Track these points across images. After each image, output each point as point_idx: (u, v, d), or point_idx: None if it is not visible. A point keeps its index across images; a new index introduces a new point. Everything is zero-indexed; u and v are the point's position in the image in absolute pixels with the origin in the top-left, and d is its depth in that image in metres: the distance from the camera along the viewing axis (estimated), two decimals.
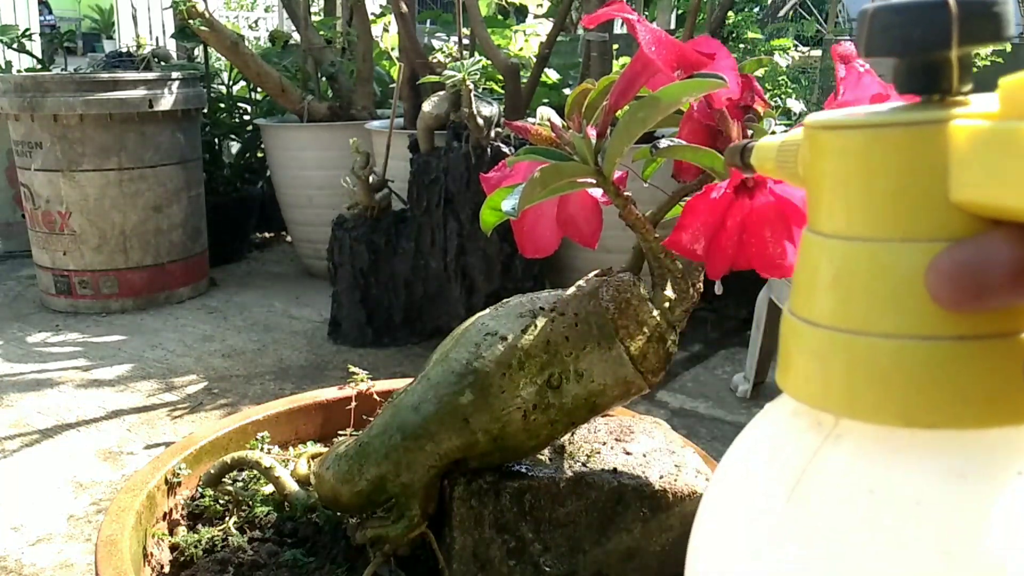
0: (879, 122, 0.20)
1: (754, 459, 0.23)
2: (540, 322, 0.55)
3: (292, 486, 0.64)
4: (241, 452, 0.67)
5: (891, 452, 0.20)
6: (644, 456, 0.61)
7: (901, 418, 0.20)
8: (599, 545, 0.57)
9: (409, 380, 0.61)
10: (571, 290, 0.57)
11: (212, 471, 0.66)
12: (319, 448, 0.72)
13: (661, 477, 0.58)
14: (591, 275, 0.58)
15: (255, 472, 0.68)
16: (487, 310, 0.59)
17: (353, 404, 0.77)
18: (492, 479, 0.57)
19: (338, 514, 0.61)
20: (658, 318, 0.56)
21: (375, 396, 0.77)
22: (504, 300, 0.59)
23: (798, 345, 0.22)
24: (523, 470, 0.58)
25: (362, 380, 0.79)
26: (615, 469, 0.59)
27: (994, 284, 0.18)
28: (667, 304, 0.56)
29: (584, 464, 0.59)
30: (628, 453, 0.61)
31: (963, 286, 0.18)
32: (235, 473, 0.70)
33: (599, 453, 0.61)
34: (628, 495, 0.57)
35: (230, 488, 0.67)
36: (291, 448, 0.76)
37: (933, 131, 0.19)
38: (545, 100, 2.28)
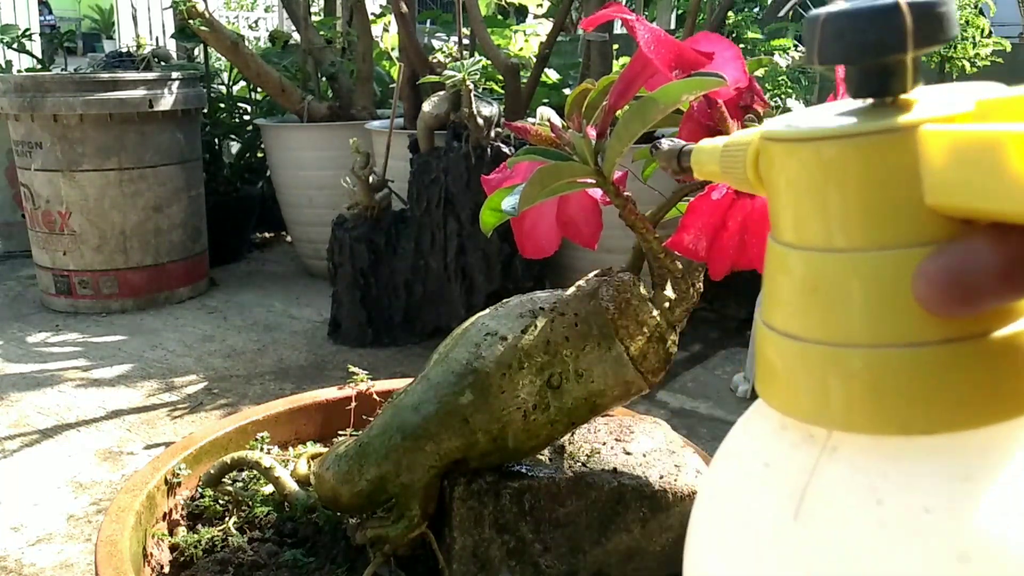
0: (847, 132, 0.19)
1: (747, 476, 0.23)
2: (540, 322, 0.55)
3: (292, 486, 0.63)
4: (241, 452, 0.67)
5: (891, 461, 0.20)
6: (644, 456, 0.61)
7: (898, 427, 0.20)
8: (599, 545, 0.57)
9: (409, 380, 0.61)
10: (571, 290, 0.57)
11: (212, 471, 0.66)
12: (319, 448, 0.72)
13: (661, 477, 0.58)
14: (591, 275, 0.58)
15: (255, 472, 0.68)
16: (487, 310, 0.59)
17: (353, 404, 0.77)
18: (492, 479, 0.57)
19: (338, 514, 0.61)
20: (658, 318, 0.56)
21: (375, 396, 0.77)
22: (504, 300, 0.59)
23: (780, 359, 0.21)
24: (523, 470, 0.58)
25: (362, 380, 0.79)
26: (615, 469, 0.59)
27: (984, 287, 0.18)
28: (667, 304, 0.56)
29: (584, 464, 0.59)
30: (628, 453, 0.61)
31: (953, 292, 0.18)
32: (235, 473, 0.70)
33: (599, 453, 0.61)
34: (628, 495, 0.57)
35: (230, 488, 0.67)
36: (291, 448, 0.76)
37: (902, 138, 0.19)
38: (545, 100, 2.28)
